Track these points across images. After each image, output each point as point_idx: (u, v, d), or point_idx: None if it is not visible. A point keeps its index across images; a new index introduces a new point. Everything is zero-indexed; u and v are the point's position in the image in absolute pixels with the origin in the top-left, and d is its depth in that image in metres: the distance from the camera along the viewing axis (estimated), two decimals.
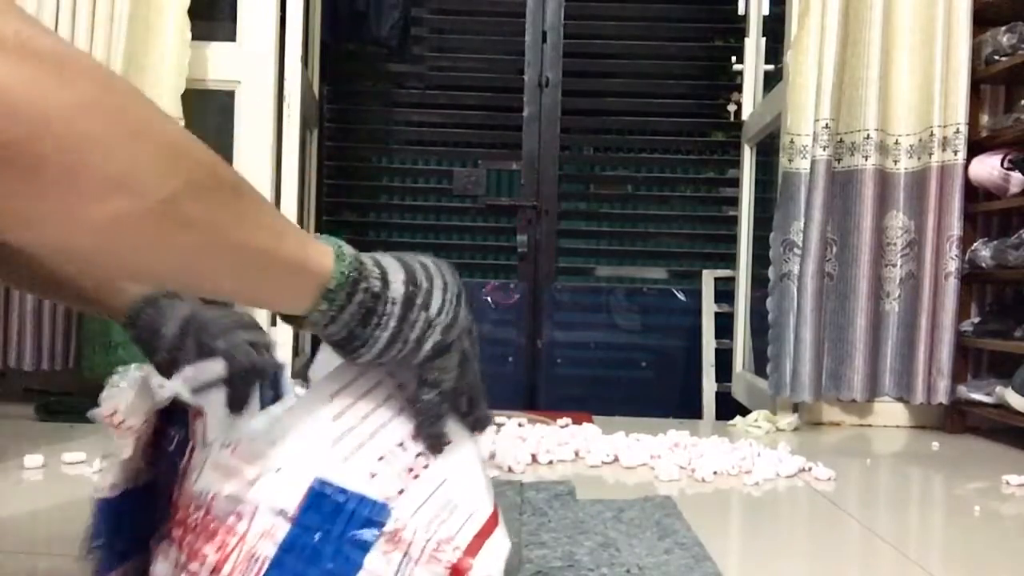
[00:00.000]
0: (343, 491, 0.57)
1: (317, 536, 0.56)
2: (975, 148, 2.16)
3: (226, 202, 0.48)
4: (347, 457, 0.59)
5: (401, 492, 0.60)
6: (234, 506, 0.55)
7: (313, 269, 0.55)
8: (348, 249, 0.57)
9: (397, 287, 0.58)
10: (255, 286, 0.53)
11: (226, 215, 0.48)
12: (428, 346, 0.60)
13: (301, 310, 0.56)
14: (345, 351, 0.59)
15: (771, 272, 2.30)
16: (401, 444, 0.62)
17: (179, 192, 0.45)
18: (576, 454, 1.66)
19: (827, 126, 2.16)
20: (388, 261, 0.59)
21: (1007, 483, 1.58)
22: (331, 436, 0.59)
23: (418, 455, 0.62)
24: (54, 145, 0.40)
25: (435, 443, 0.63)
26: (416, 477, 0.61)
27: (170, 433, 0.63)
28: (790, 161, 2.26)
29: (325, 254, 0.56)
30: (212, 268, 0.50)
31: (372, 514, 0.57)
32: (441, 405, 0.63)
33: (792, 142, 2.25)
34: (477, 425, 0.67)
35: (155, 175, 0.44)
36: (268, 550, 0.55)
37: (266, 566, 0.55)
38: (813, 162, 2.18)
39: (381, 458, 0.60)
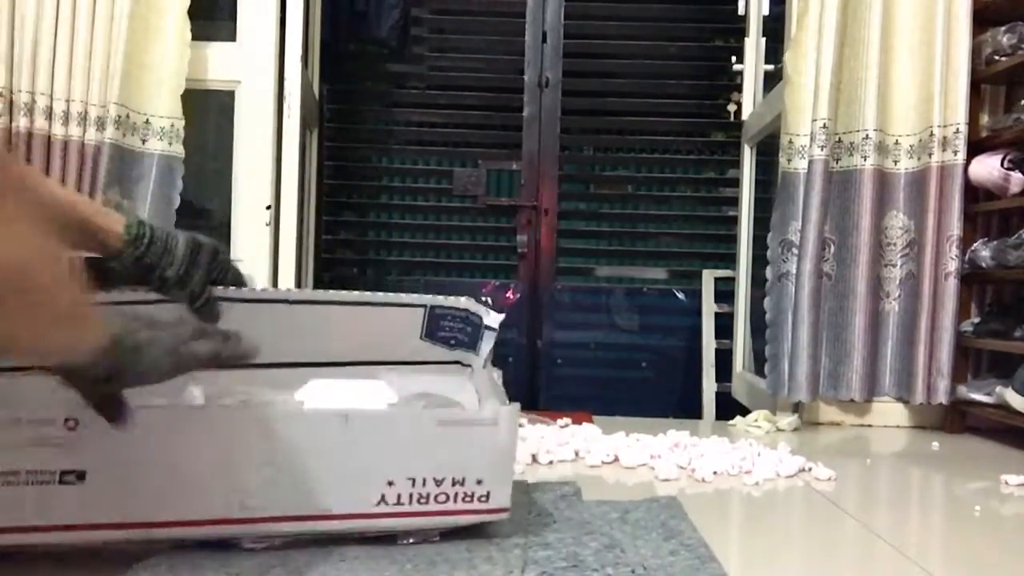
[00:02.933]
0: None
1: None
2: (975, 148, 2.16)
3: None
4: None
5: None
6: None
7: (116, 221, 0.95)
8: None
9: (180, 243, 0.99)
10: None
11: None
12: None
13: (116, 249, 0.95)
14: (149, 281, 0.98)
15: (769, 272, 2.31)
16: None
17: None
18: (576, 454, 1.66)
19: (825, 126, 2.16)
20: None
21: (1007, 483, 1.58)
22: None
23: None
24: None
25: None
26: None
27: None
28: (788, 161, 2.26)
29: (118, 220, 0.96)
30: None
31: None
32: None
33: (791, 142, 2.25)
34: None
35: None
36: None
37: None
38: (810, 162, 2.18)
39: None
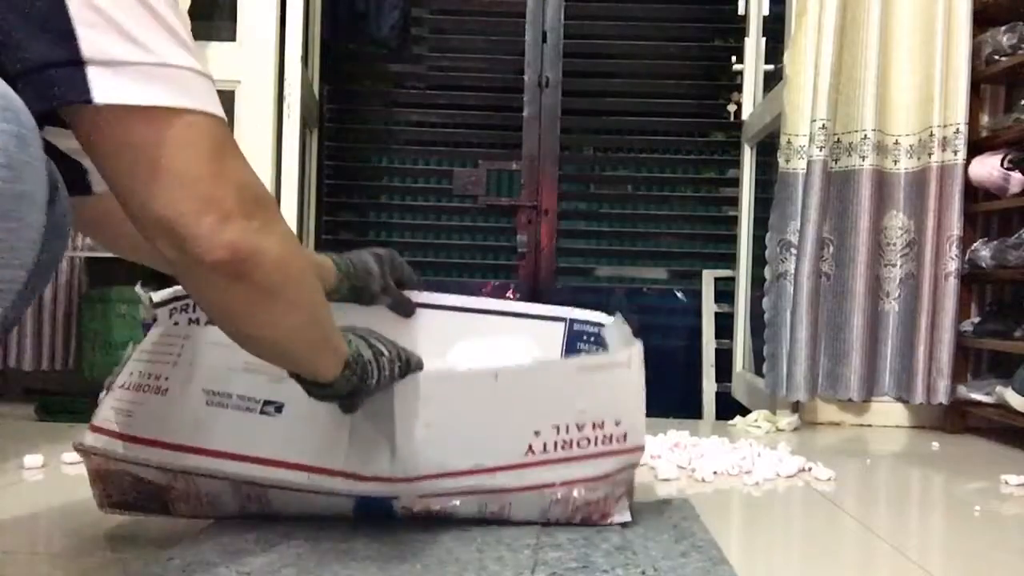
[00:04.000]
0: None
1: None
2: (975, 148, 2.16)
3: (322, 310, 0.87)
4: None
5: None
6: None
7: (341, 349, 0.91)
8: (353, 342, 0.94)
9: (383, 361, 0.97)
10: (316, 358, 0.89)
11: (323, 318, 0.87)
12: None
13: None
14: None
15: (767, 272, 2.31)
16: None
17: (323, 307, 0.86)
18: None
19: (823, 127, 2.16)
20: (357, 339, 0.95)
21: (1006, 483, 1.58)
22: None
23: None
24: (289, 284, 0.77)
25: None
26: None
27: None
28: (787, 161, 2.26)
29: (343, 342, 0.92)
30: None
31: None
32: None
33: (789, 142, 2.25)
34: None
35: (321, 307, 0.85)
36: None
37: None
38: (809, 162, 2.18)
39: None
